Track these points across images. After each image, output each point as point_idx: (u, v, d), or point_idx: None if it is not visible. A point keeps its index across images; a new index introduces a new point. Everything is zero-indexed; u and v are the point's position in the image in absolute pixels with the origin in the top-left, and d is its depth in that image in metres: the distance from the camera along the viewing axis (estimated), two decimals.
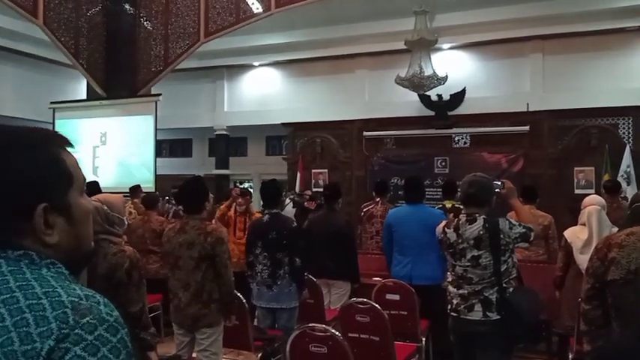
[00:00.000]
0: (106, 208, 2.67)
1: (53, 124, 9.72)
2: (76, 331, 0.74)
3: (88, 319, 0.76)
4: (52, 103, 10.34)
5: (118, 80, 9.53)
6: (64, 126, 9.34)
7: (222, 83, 13.25)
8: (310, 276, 4.60)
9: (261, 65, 12.78)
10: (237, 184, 12.43)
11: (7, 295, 0.76)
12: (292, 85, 12.48)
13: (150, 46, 9.69)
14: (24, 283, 0.78)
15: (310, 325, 2.99)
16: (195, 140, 14.80)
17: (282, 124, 11.88)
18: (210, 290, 3.59)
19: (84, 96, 11.06)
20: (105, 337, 0.76)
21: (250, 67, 12.92)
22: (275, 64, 12.58)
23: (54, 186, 0.86)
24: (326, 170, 11.33)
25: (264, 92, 12.70)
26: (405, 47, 9.35)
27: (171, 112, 11.42)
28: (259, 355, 4.05)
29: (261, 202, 4.77)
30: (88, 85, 10.18)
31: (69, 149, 0.92)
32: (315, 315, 4.38)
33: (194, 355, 3.72)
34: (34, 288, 0.78)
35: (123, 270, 2.65)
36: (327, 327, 2.94)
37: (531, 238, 3.17)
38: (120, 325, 0.79)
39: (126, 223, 2.89)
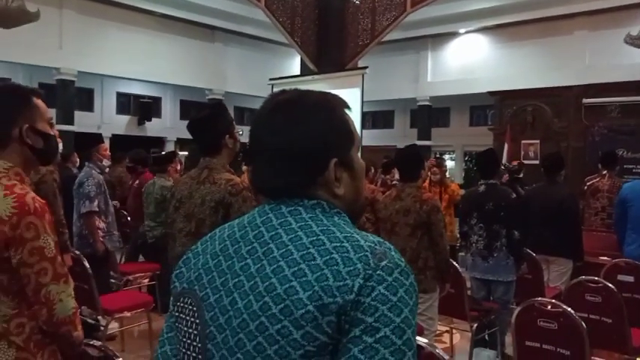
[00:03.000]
0: None
1: None
2: (378, 272, 0.81)
3: (385, 262, 0.82)
4: (270, 79, 11.29)
5: (328, 55, 10.02)
6: None
7: (425, 53, 13.13)
8: (529, 250, 4.38)
9: (467, 32, 12.37)
10: (437, 155, 12.29)
11: (314, 238, 0.86)
12: (500, 52, 11.87)
13: (357, 20, 9.96)
14: (325, 228, 0.88)
15: (539, 299, 2.85)
16: (397, 112, 14.97)
17: (489, 92, 11.37)
18: (425, 257, 3.64)
19: (297, 72, 11.86)
20: (400, 279, 0.82)
21: (455, 34, 12.57)
22: (482, 29, 12.06)
23: (342, 143, 0.96)
24: (537, 141, 10.60)
25: (469, 60, 12.29)
26: (637, 1, 8.24)
27: (373, 84, 11.66)
28: (474, 325, 4.01)
29: (463, 175, 4.63)
30: (301, 61, 10.88)
31: (347, 112, 1.00)
32: (534, 291, 4.16)
33: None
34: (334, 232, 0.86)
35: None
36: (560, 303, 2.78)
37: None
38: (409, 271, 0.85)
39: None
